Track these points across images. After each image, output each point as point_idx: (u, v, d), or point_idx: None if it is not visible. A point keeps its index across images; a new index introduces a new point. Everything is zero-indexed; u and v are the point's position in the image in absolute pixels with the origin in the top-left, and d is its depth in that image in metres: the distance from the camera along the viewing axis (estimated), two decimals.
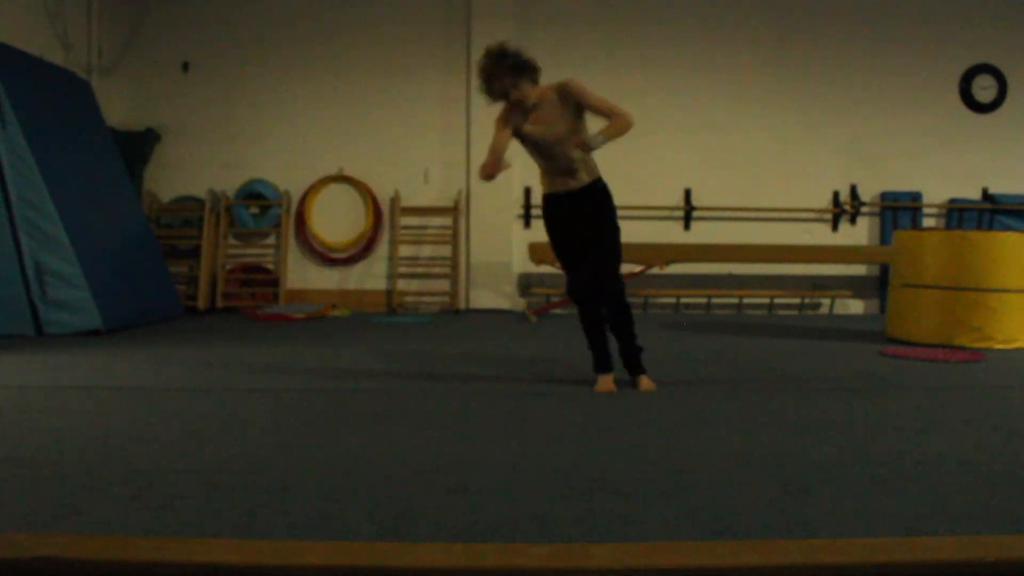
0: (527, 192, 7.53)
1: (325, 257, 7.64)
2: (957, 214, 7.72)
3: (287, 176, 7.58)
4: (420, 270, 7.62)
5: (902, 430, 2.81)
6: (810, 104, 7.68)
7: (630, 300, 3.62)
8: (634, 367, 3.61)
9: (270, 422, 2.90)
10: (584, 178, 3.47)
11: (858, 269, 7.81)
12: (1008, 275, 5.11)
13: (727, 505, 1.95)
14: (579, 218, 3.48)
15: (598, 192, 3.50)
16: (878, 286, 7.73)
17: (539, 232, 7.61)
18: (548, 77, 7.94)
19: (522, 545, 1.68)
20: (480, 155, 7.34)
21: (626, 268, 7.13)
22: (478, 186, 7.37)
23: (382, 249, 7.66)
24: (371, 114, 7.56)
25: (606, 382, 3.55)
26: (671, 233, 7.64)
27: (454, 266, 7.55)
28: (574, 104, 3.38)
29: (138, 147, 7.38)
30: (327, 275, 7.67)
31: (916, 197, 7.74)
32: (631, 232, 7.49)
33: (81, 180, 5.80)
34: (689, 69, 7.61)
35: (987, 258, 5.12)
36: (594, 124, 3.39)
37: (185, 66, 7.58)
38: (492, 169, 3.34)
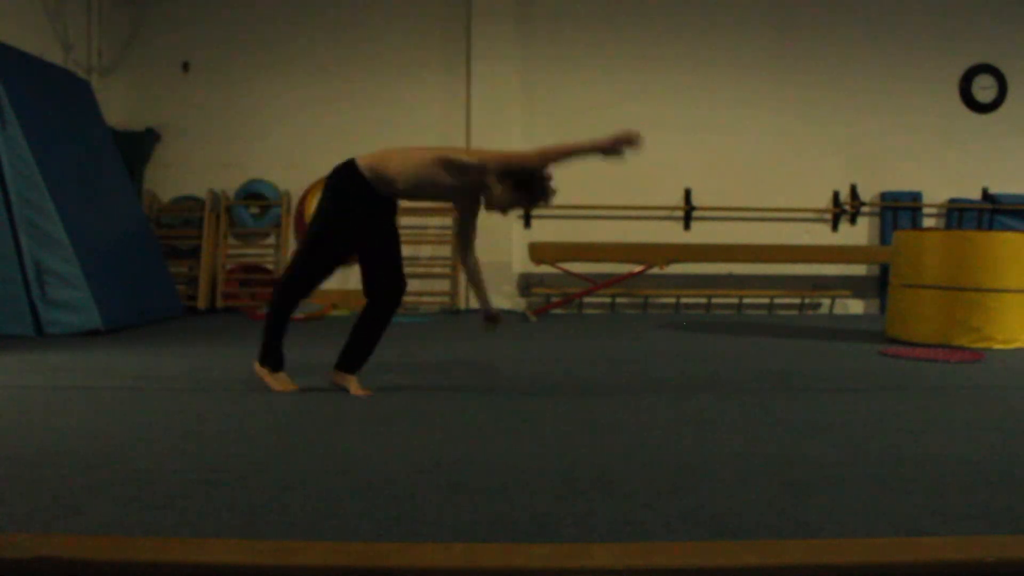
0: None
1: None
2: (957, 214, 7.72)
3: (287, 176, 7.58)
4: (420, 270, 7.62)
5: (902, 430, 2.81)
6: (810, 104, 7.68)
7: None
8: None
9: (269, 422, 2.90)
10: None
11: (858, 269, 7.81)
12: (1008, 275, 5.11)
13: (727, 505, 1.95)
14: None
15: None
16: (878, 286, 7.73)
17: (539, 232, 7.67)
18: (547, 77, 7.94)
19: (522, 545, 1.68)
20: None
21: (626, 268, 7.22)
22: None
23: None
24: (371, 114, 7.56)
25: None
26: (671, 233, 7.64)
27: (454, 266, 7.54)
28: None
29: (138, 147, 7.38)
30: None
31: (916, 197, 7.74)
32: (631, 232, 7.61)
33: (81, 180, 5.79)
34: (689, 69, 7.62)
35: (987, 258, 5.12)
36: None
37: (185, 66, 7.58)
38: None
